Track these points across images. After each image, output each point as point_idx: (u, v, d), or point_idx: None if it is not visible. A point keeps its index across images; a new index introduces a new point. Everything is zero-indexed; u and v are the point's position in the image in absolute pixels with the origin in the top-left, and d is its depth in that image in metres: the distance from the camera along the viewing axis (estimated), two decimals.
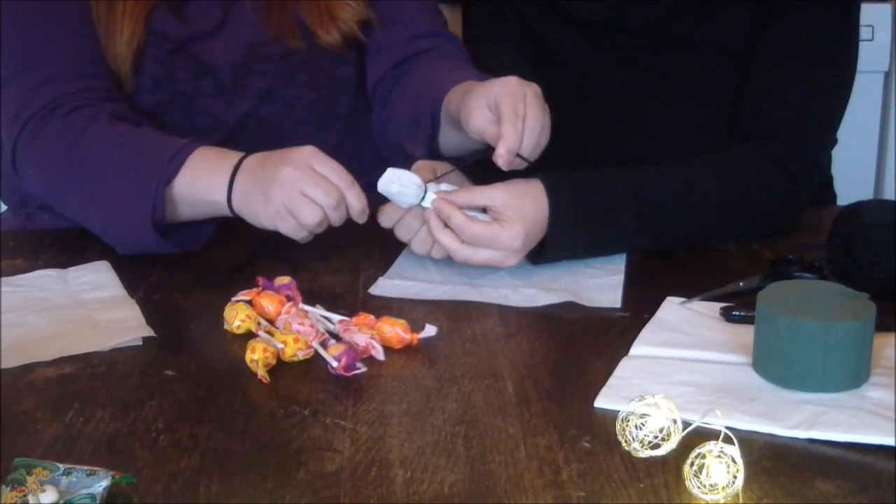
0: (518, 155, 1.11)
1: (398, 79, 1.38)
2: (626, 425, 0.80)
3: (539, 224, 1.14)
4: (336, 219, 1.13)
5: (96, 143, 1.20)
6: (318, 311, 1.05)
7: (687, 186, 1.22)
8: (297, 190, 1.10)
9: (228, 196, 1.16)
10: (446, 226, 1.12)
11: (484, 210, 1.13)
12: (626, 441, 0.80)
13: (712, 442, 0.76)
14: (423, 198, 1.12)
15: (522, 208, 1.12)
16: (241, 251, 1.23)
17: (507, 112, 1.10)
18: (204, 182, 1.17)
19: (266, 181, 1.12)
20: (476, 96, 1.14)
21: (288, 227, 1.12)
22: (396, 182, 1.11)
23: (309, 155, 1.12)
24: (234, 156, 1.17)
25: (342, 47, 1.36)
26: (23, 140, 1.23)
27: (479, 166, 1.16)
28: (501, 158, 1.10)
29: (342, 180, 1.12)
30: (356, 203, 1.13)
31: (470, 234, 1.11)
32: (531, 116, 1.11)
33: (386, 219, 1.16)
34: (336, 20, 1.34)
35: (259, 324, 1.02)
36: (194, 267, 1.20)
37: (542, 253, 1.15)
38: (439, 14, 1.45)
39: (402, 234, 1.15)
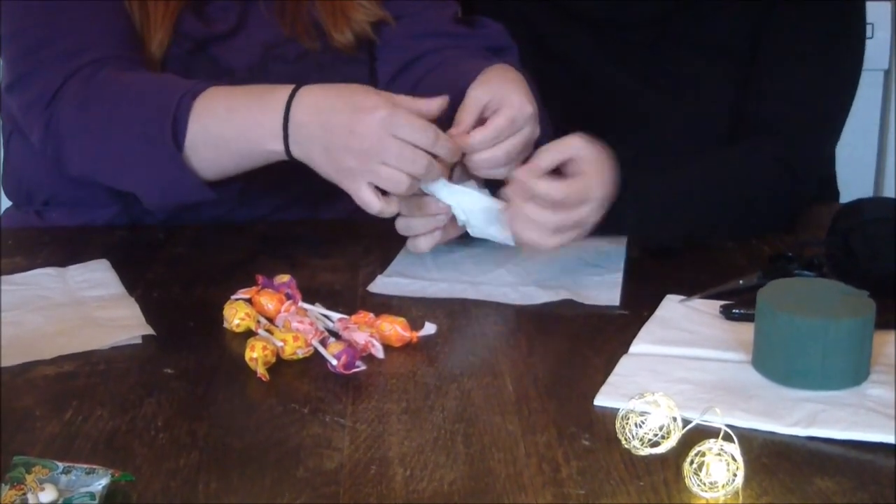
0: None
1: (411, 83, 1.34)
2: (626, 423, 0.80)
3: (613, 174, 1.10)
4: (428, 180, 1.08)
5: (126, 80, 1.17)
6: (318, 309, 1.05)
7: (688, 184, 1.22)
8: (379, 162, 1.03)
9: (285, 142, 1.08)
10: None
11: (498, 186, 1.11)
12: (625, 439, 0.80)
13: (712, 440, 0.76)
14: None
15: (601, 158, 1.09)
16: (240, 249, 1.23)
17: (491, 124, 1.08)
18: (244, 116, 1.10)
19: (334, 148, 1.05)
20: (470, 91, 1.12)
21: (371, 205, 1.06)
22: None
23: (385, 123, 1.02)
24: (278, 97, 1.08)
25: (355, 48, 1.34)
26: (65, 92, 1.18)
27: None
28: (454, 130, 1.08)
29: (427, 137, 1.04)
30: (447, 154, 1.07)
31: (563, 195, 1.06)
32: (509, 143, 1.09)
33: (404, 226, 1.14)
34: (350, 20, 1.32)
35: (258, 322, 1.02)
36: (193, 264, 1.20)
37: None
38: (450, 11, 1.38)
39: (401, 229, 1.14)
